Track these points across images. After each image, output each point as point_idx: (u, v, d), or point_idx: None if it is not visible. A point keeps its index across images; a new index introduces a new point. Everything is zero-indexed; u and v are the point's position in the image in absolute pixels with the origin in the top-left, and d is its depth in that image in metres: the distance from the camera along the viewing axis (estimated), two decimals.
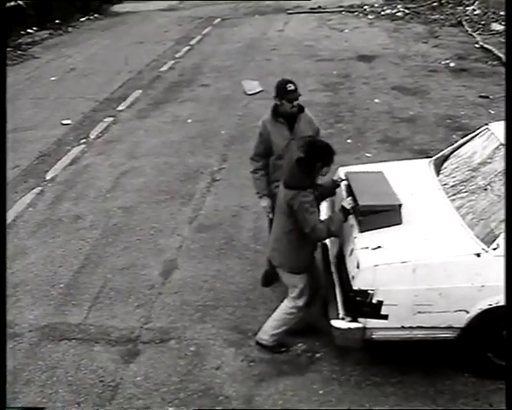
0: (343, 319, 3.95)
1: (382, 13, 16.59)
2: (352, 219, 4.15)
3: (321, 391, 4.08)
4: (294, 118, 4.63)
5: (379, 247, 3.90)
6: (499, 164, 4.24)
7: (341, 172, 4.67)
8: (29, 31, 16.63)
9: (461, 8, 16.00)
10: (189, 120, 9.24)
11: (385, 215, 4.08)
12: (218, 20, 17.46)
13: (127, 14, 19.68)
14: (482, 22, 14.39)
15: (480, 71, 10.79)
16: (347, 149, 7.54)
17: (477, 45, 12.51)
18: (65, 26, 17.66)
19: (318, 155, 4.00)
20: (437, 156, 5.06)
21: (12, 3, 16.00)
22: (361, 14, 16.79)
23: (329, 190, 4.43)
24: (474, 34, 13.41)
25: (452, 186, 4.47)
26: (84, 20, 18.67)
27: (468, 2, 16.12)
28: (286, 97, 4.53)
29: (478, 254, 3.75)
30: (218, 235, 6.02)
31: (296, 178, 3.99)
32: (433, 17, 15.71)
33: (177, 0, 21.44)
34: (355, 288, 3.81)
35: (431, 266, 3.77)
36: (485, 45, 12.23)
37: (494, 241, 3.75)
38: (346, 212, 4.03)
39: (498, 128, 4.60)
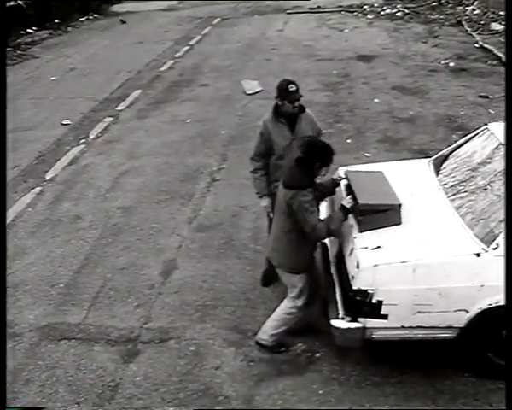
0: (343, 318, 3.95)
1: (382, 13, 16.59)
2: (351, 219, 4.15)
3: (321, 391, 4.08)
4: (295, 118, 4.63)
5: (378, 247, 3.90)
6: (499, 164, 4.24)
7: (341, 171, 4.67)
8: (29, 31, 16.64)
9: (460, 7, 16.00)
10: (189, 120, 9.24)
11: (385, 215, 4.08)
12: (218, 19, 17.46)
13: (127, 14, 19.66)
14: (482, 22, 14.40)
15: (480, 71, 10.79)
16: (347, 149, 7.55)
17: (477, 45, 12.51)
18: (64, 26, 17.67)
19: (317, 154, 4.00)
20: (436, 156, 5.06)
21: (12, 3, 16.00)
22: (360, 14, 16.79)
23: (329, 190, 4.43)
24: (473, 34, 13.41)
25: (452, 186, 4.47)
26: (84, 20, 18.67)
27: (467, 2, 16.12)
28: (287, 98, 4.53)
29: (477, 254, 3.75)
30: (218, 235, 6.02)
31: (295, 178, 3.99)
32: (432, 17, 15.71)
33: (176, 0, 21.44)
34: (355, 288, 3.81)
35: (431, 266, 3.77)
36: (485, 45, 12.23)
37: (494, 241, 3.75)
38: (345, 210, 4.03)
39: (498, 128, 4.61)
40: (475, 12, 15.31)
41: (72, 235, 6.21)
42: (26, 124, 9.51)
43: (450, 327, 3.90)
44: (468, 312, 3.82)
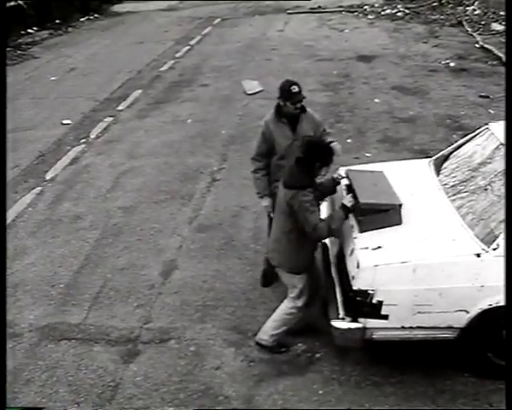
0: (343, 319, 3.95)
1: (382, 13, 16.58)
2: (352, 220, 4.15)
3: (321, 391, 4.09)
4: (297, 118, 4.63)
5: (379, 247, 3.90)
6: (499, 164, 4.23)
7: (342, 171, 4.67)
8: (29, 31, 16.64)
9: (461, 8, 15.99)
10: (189, 120, 9.24)
11: (385, 215, 4.08)
12: (218, 20, 17.46)
13: (127, 13, 19.68)
14: (482, 22, 14.39)
15: (480, 71, 10.79)
16: (347, 149, 7.51)
17: (477, 45, 12.51)
18: (65, 26, 17.67)
19: (317, 154, 4.00)
20: (437, 156, 5.06)
21: (12, 3, 16.00)
22: (361, 14, 16.78)
23: (329, 189, 4.42)
24: (474, 34, 13.40)
25: (452, 186, 4.47)
26: (84, 20, 18.67)
27: (468, 2, 16.12)
28: (290, 100, 4.52)
29: (478, 255, 3.75)
30: (218, 235, 6.02)
31: (296, 178, 3.99)
32: (433, 17, 15.71)
33: (176, 0, 21.44)
34: (355, 288, 3.81)
35: (431, 267, 3.77)
36: (486, 45, 12.23)
37: (494, 241, 3.75)
38: (346, 209, 4.03)
39: (498, 128, 4.60)
40: (476, 12, 15.31)
41: (72, 235, 6.21)
42: (27, 124, 9.51)
43: (450, 327, 3.90)
44: (468, 312, 3.82)
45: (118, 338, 4.71)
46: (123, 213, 6.58)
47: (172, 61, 12.92)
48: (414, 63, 11.53)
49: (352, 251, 3.96)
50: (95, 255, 5.82)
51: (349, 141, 7.97)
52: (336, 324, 3.95)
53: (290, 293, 4.28)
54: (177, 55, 13.51)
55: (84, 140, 8.77)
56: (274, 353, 4.41)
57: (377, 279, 3.76)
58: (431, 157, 5.14)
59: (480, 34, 13.34)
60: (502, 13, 13.72)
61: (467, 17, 15.06)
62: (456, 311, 3.82)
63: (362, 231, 4.06)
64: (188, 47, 14.26)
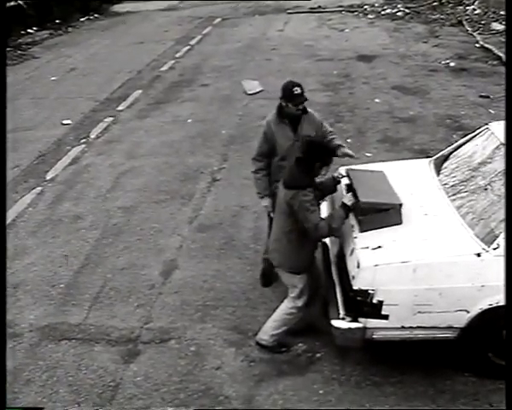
0: (343, 318, 3.95)
1: (382, 12, 16.58)
2: (352, 219, 4.15)
3: (321, 391, 4.09)
4: (298, 119, 4.62)
5: (379, 247, 3.90)
6: (499, 164, 4.23)
7: (342, 170, 4.66)
8: (29, 31, 16.64)
9: (461, 7, 15.99)
10: (189, 120, 9.24)
11: (385, 215, 4.08)
12: (218, 19, 17.45)
13: (127, 13, 19.69)
14: (482, 22, 14.39)
15: (481, 70, 10.79)
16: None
17: (477, 45, 12.50)
18: (65, 26, 17.67)
19: (317, 154, 4.01)
20: (437, 156, 5.06)
21: (12, 3, 16.01)
22: (361, 14, 16.78)
23: (330, 188, 4.42)
24: (474, 34, 13.40)
25: (452, 186, 4.47)
26: (84, 20, 18.68)
27: (468, 2, 16.11)
28: (292, 101, 4.50)
29: (478, 254, 3.75)
30: (219, 235, 6.02)
31: (296, 178, 3.99)
32: (433, 17, 15.70)
33: (176, 0, 21.44)
34: (355, 288, 3.81)
35: (431, 266, 3.77)
36: (486, 45, 12.22)
37: (494, 241, 3.75)
38: (346, 208, 4.02)
39: (498, 128, 4.60)
40: (476, 12, 15.31)
41: (72, 235, 6.21)
42: (27, 124, 9.51)
43: (450, 327, 3.90)
44: (468, 312, 3.82)
45: (118, 338, 4.71)
46: (123, 213, 6.58)
47: (172, 61, 12.92)
48: (414, 63, 11.53)
49: (353, 251, 3.96)
50: (95, 255, 5.82)
51: (349, 141, 7.95)
52: (336, 323, 3.95)
53: (290, 293, 4.28)
54: (178, 55, 13.51)
55: (84, 140, 8.77)
56: (274, 353, 4.41)
57: (377, 279, 3.76)
58: (431, 157, 5.14)
59: (480, 34, 13.33)
60: (502, 12, 13.72)
61: (467, 17, 15.06)
62: (457, 311, 3.82)
63: (362, 230, 4.06)
64: (188, 47, 14.26)
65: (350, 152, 4.61)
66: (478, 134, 4.90)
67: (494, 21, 14.09)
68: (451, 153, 4.98)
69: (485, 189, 4.20)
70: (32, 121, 9.67)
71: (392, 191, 4.22)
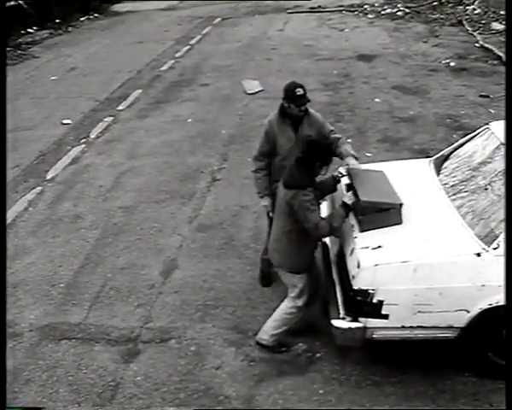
0: (344, 318, 3.95)
1: (382, 12, 16.58)
2: (352, 219, 4.15)
3: (321, 391, 4.09)
4: (300, 120, 4.61)
5: (379, 246, 3.89)
6: (499, 164, 4.23)
7: (342, 170, 4.65)
8: (29, 30, 16.64)
9: (461, 7, 15.99)
10: (189, 120, 9.24)
11: (386, 214, 4.08)
12: (218, 19, 17.45)
13: (127, 13, 19.69)
14: (482, 21, 14.39)
15: (481, 70, 10.79)
16: None
17: (477, 44, 12.50)
18: (65, 25, 17.68)
19: (317, 154, 4.00)
20: (437, 156, 5.06)
21: (12, 3, 16.01)
22: (361, 14, 16.78)
23: (330, 187, 4.41)
24: (474, 33, 13.39)
25: (452, 186, 4.47)
26: (84, 20, 18.68)
27: (468, 2, 16.11)
28: (294, 102, 4.49)
29: (478, 254, 3.75)
30: (219, 234, 6.02)
31: (295, 178, 3.99)
32: (433, 16, 15.71)
33: (176, 0, 21.43)
34: (355, 287, 3.81)
35: (431, 266, 3.77)
36: (486, 44, 12.22)
37: (494, 240, 3.75)
38: (347, 207, 4.02)
39: (498, 128, 4.60)
40: (476, 11, 15.31)
41: (72, 235, 6.21)
42: (27, 123, 9.51)
43: (450, 327, 3.90)
44: (468, 312, 3.82)
45: (118, 338, 4.71)
46: (123, 212, 6.58)
47: (172, 61, 12.92)
48: (414, 63, 11.53)
49: (353, 250, 3.96)
50: (95, 255, 5.82)
51: (349, 140, 7.94)
52: (337, 323, 3.95)
53: (290, 293, 4.28)
54: (177, 54, 13.51)
55: (84, 140, 8.77)
56: (274, 352, 4.41)
57: (377, 279, 3.76)
58: (431, 157, 5.14)
59: (480, 33, 13.33)
60: (502, 12, 13.72)
61: (467, 16, 15.06)
62: (457, 310, 3.82)
63: (362, 230, 4.06)
64: (188, 46, 14.26)
65: (355, 164, 4.44)
66: (478, 134, 4.90)
67: (494, 21, 14.09)
68: (451, 153, 4.98)
69: (486, 189, 4.20)
70: (32, 121, 9.68)
71: (393, 191, 4.21)
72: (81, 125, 9.37)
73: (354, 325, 3.90)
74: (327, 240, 4.62)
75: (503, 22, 13.23)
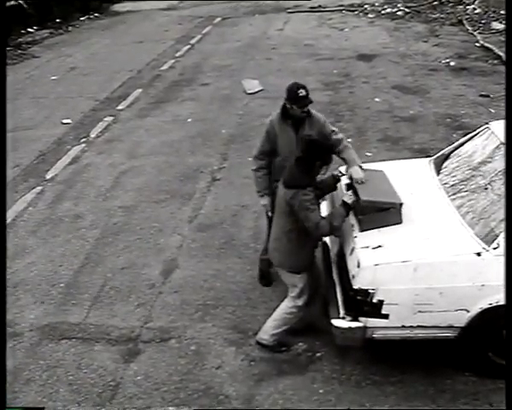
0: (344, 318, 3.95)
1: (383, 12, 16.57)
2: (352, 219, 4.15)
3: (321, 390, 4.09)
4: (302, 121, 4.60)
5: (379, 246, 3.90)
6: (499, 163, 4.23)
7: (342, 169, 4.66)
8: (29, 30, 16.62)
9: (461, 6, 15.98)
10: (190, 120, 9.23)
11: (386, 214, 4.08)
12: (219, 19, 17.44)
13: (127, 13, 19.67)
14: (482, 21, 14.38)
15: (481, 70, 10.78)
16: None
17: (477, 44, 12.50)
18: (65, 25, 17.66)
19: (317, 153, 4.00)
20: (437, 155, 5.06)
21: (12, 3, 15.99)
22: (361, 13, 16.77)
23: (330, 186, 4.42)
24: (474, 33, 13.39)
25: (452, 185, 4.47)
26: (85, 20, 18.66)
27: (468, 1, 16.10)
28: (297, 103, 4.47)
29: (478, 254, 3.75)
30: (219, 234, 6.02)
31: (295, 178, 3.99)
32: (433, 16, 15.70)
33: None
34: (355, 287, 3.81)
35: (431, 266, 3.77)
36: (486, 44, 12.22)
37: (494, 240, 3.75)
38: (347, 206, 4.02)
39: (499, 127, 4.60)
40: (476, 11, 15.30)
41: (72, 234, 6.21)
42: (27, 123, 9.51)
43: (450, 327, 3.90)
44: (468, 311, 3.82)
45: (118, 337, 4.71)
46: (123, 212, 6.58)
47: (173, 61, 12.91)
48: (414, 62, 11.53)
49: (353, 250, 3.96)
50: (95, 255, 5.82)
51: (349, 140, 7.91)
52: (337, 323, 3.96)
53: (290, 292, 4.28)
54: (178, 54, 13.50)
55: (84, 139, 8.77)
56: (274, 352, 4.41)
57: (378, 278, 3.76)
58: (431, 156, 5.14)
59: (480, 33, 13.33)
60: (502, 12, 13.71)
61: (467, 16, 15.05)
62: (457, 310, 3.82)
63: (362, 229, 4.07)
64: (188, 46, 14.25)
65: (359, 175, 4.32)
66: (478, 133, 4.90)
67: (494, 21, 14.09)
68: (451, 152, 4.98)
69: (486, 188, 4.20)
70: (32, 121, 9.67)
71: (393, 191, 4.21)
72: (81, 125, 9.37)
73: (354, 324, 3.90)
74: (327, 239, 4.62)
75: (504, 22, 13.22)
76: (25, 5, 16.66)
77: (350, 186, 4.26)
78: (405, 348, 4.20)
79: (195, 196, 6.84)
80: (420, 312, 3.82)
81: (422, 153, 6.80)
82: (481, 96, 9.34)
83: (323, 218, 4.03)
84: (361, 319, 3.89)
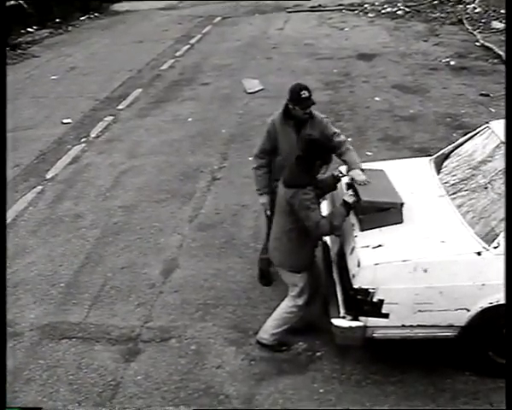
0: (344, 317, 3.95)
1: (383, 11, 16.56)
2: (353, 218, 4.15)
3: (321, 390, 4.09)
4: (304, 122, 4.59)
5: (380, 245, 3.89)
6: (500, 162, 4.23)
7: (343, 169, 4.66)
8: (29, 30, 16.62)
9: (461, 6, 15.96)
10: (190, 119, 9.23)
11: (386, 214, 4.08)
12: (219, 18, 17.44)
13: (127, 12, 19.66)
14: (483, 20, 14.37)
15: (481, 69, 10.78)
16: None
17: (477, 43, 12.49)
18: (65, 25, 17.66)
19: (317, 153, 4.00)
20: (437, 155, 5.06)
21: (12, 2, 15.98)
22: (361, 13, 16.76)
23: (330, 186, 4.42)
24: (474, 32, 13.38)
25: (453, 185, 4.47)
26: (84, 19, 18.66)
27: (468, 1, 16.09)
28: (299, 105, 4.46)
29: (479, 253, 3.75)
30: (219, 234, 6.02)
31: (296, 177, 3.99)
32: (433, 15, 15.69)
33: None
34: (356, 286, 3.81)
35: (432, 265, 3.77)
36: (486, 43, 12.21)
37: (495, 239, 3.75)
38: (347, 205, 4.02)
39: (499, 126, 4.60)
40: (476, 10, 15.29)
41: (72, 234, 6.21)
42: (27, 123, 9.51)
43: (451, 326, 3.90)
44: (468, 310, 3.82)
45: (118, 337, 4.71)
46: (123, 211, 6.58)
47: (172, 60, 12.91)
48: (414, 62, 11.52)
49: (353, 249, 3.96)
50: (95, 254, 5.82)
51: (349, 140, 7.92)
52: (337, 322, 3.96)
53: (291, 292, 4.28)
54: (178, 53, 13.50)
55: (84, 139, 8.77)
56: (275, 351, 4.41)
57: (378, 278, 3.76)
58: (431, 156, 5.14)
59: (480, 32, 13.32)
60: (502, 11, 13.70)
61: (467, 15, 15.04)
62: (457, 309, 3.82)
63: (363, 229, 4.06)
64: (188, 46, 14.25)
65: (361, 177, 4.30)
66: (478, 133, 4.90)
67: (494, 20, 14.08)
68: (452, 151, 4.98)
69: (486, 187, 4.20)
70: (33, 120, 9.67)
71: (393, 190, 4.21)
72: (81, 125, 9.37)
73: (354, 323, 3.90)
74: (327, 239, 4.62)
75: (504, 21, 13.21)
76: (25, 5, 16.65)
77: (350, 186, 4.26)
78: (405, 348, 4.20)
79: (196, 195, 6.84)
80: (420, 311, 3.82)
81: (422, 152, 6.79)
82: (481, 95, 9.34)
83: (324, 217, 4.03)
84: (361, 318, 3.89)
